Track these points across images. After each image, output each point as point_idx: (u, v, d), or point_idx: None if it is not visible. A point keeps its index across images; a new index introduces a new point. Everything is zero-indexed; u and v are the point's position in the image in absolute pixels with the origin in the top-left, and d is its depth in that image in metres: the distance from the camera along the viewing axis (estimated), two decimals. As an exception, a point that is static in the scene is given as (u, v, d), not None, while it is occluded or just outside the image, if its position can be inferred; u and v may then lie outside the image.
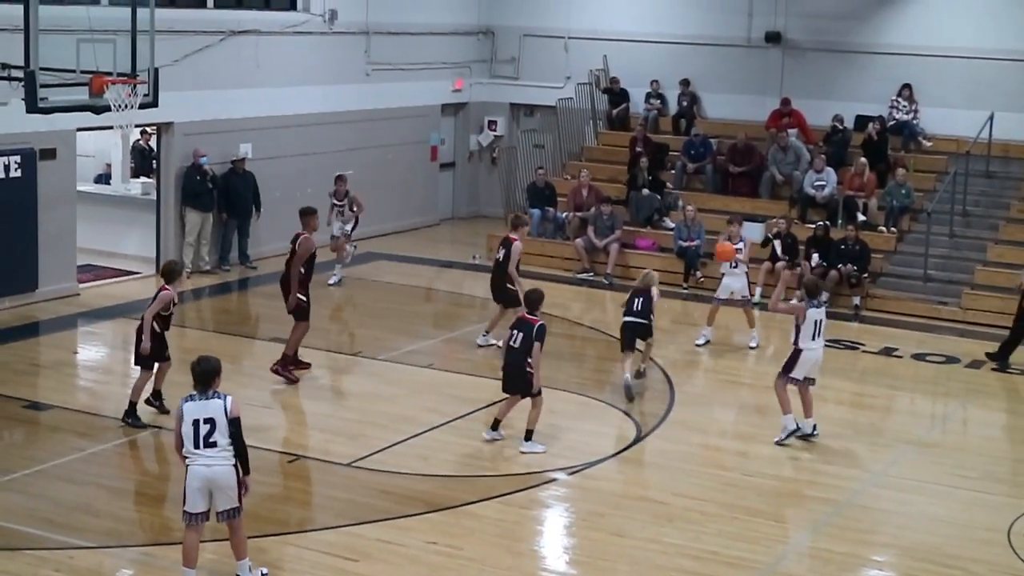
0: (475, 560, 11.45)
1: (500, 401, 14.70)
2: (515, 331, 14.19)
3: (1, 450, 13.96)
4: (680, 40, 26.68)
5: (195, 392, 10.47)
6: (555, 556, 12.03)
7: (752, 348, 19.03)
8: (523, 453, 14.14)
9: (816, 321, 14.62)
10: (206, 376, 10.52)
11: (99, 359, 17.91)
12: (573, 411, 15.77)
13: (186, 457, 10.38)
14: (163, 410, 14.70)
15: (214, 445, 10.32)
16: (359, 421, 15.13)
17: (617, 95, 26.96)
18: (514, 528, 12.32)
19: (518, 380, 14.17)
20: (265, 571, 10.87)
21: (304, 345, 17.41)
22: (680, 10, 26.93)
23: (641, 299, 16.57)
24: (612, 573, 11.46)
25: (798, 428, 14.76)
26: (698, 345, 19.05)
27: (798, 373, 14.69)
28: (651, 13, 27.16)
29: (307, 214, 16.57)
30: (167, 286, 14.66)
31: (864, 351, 19.32)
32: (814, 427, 14.96)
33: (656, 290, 16.83)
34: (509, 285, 17.84)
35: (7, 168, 18.87)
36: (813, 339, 14.65)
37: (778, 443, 14.69)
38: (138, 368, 14.82)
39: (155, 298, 14.66)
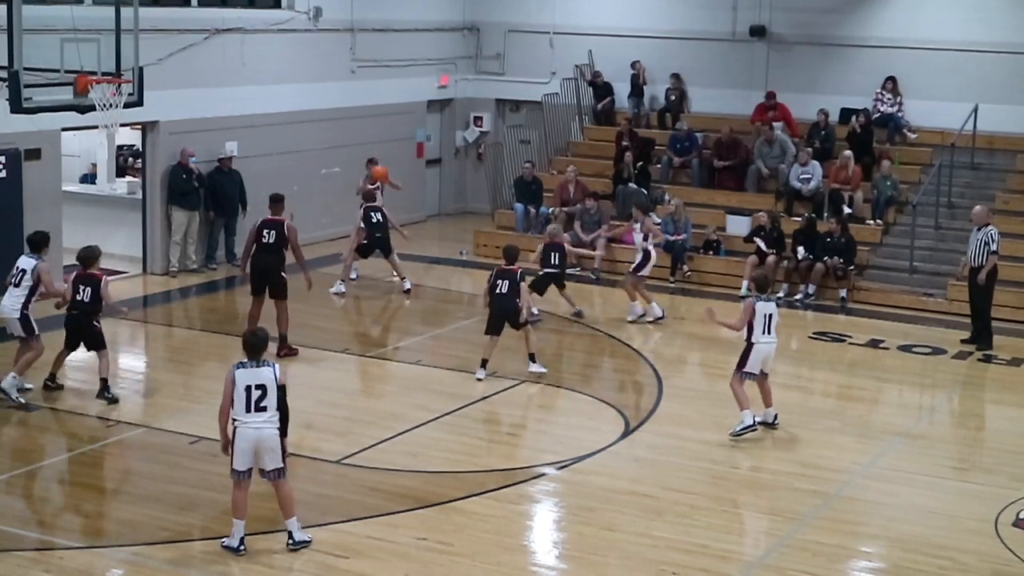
0: (465, 556, 11.46)
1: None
2: (500, 280, 16.48)
3: (-11, 451, 13.95)
4: (665, 34, 26.70)
5: (246, 360, 11.30)
6: (545, 551, 12.05)
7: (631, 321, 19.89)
8: (532, 372, 16.53)
9: (766, 315, 14.64)
10: (258, 346, 11.42)
11: (86, 359, 17.80)
12: (562, 406, 15.80)
13: (234, 420, 11.15)
14: (113, 399, 15.28)
15: (264, 410, 11.17)
16: (348, 418, 15.13)
17: (601, 88, 26.97)
18: (504, 523, 12.33)
19: (511, 318, 16.49)
20: (309, 538, 11.46)
21: (292, 342, 17.48)
22: (665, 4, 26.94)
23: (557, 253, 19.28)
24: (603, 567, 11.48)
25: (754, 424, 14.72)
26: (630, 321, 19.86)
27: (752, 368, 14.72)
28: (635, 7, 27.17)
29: (279, 200, 17.67)
30: (96, 271, 15.44)
31: (851, 343, 19.37)
32: (775, 416, 15.05)
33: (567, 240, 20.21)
34: None
35: (-8, 168, 18.84)
36: (764, 333, 14.66)
37: (733, 435, 14.61)
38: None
39: (96, 286, 15.27)
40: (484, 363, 16.58)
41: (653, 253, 20.13)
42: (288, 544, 11.38)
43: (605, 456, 14.18)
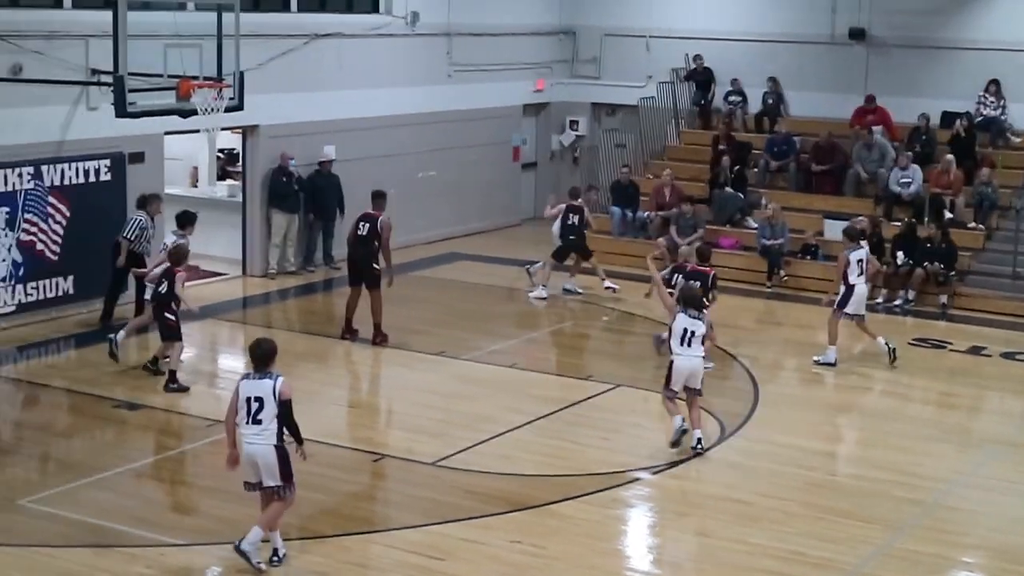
0: (559, 559, 11.47)
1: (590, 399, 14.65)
2: (693, 281, 15.85)
3: (93, 449, 14.20)
4: (763, 38, 26.51)
5: (252, 371, 10.97)
6: (639, 556, 12.02)
7: None
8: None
9: (685, 330, 14.10)
10: (264, 357, 11.01)
11: (187, 359, 18.11)
12: (657, 410, 15.72)
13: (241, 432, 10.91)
14: (160, 372, 16.07)
15: (259, 423, 10.80)
16: (442, 421, 15.20)
17: (702, 74, 26.76)
18: (597, 527, 12.32)
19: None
20: (262, 566, 10.95)
21: (387, 345, 17.66)
22: (763, 7, 26.77)
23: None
24: (697, 573, 11.44)
25: (683, 424, 14.14)
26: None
27: (674, 384, 14.20)
28: (733, 11, 27.02)
29: (381, 196, 18.13)
30: (178, 268, 15.99)
31: (951, 350, 19.08)
32: (699, 440, 14.10)
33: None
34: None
35: (97, 172, 19.21)
36: (681, 345, 14.16)
37: (672, 444, 14.15)
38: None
39: (170, 279, 15.91)
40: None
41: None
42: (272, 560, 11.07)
43: (700, 461, 14.10)
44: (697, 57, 26.79)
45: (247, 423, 10.81)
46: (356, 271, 18.06)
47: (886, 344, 17.78)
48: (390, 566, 11.28)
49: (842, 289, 17.70)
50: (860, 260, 17.74)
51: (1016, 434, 15.60)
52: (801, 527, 12.31)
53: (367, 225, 17.88)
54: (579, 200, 21.70)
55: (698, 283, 15.86)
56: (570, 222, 21.36)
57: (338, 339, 18.28)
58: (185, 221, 17.05)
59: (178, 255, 16.11)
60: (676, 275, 16.98)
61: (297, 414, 14.96)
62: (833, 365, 17.29)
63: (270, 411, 10.77)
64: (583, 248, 21.55)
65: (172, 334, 15.96)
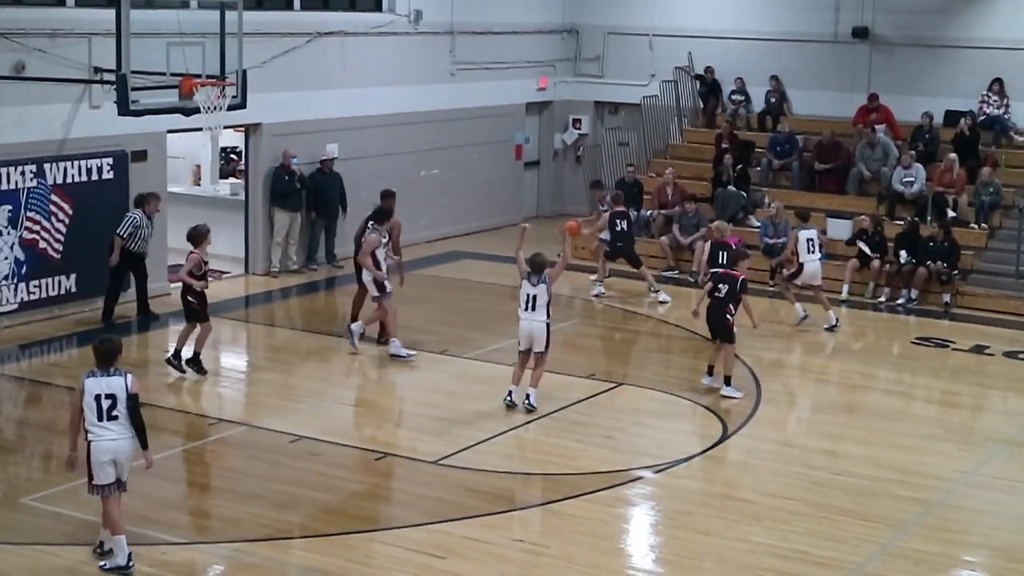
0: (562, 558, 11.46)
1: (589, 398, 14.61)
2: (722, 285, 16.22)
3: (95, 447, 14.19)
4: (766, 36, 26.50)
5: (96, 369, 10.85)
6: (642, 554, 12.01)
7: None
8: (723, 395, 16.02)
9: (528, 295, 15.27)
10: (109, 355, 10.93)
11: (190, 358, 18.13)
12: (659, 409, 15.73)
13: (87, 431, 10.74)
14: (202, 371, 16.32)
15: (116, 419, 10.77)
16: (445, 419, 15.19)
17: (709, 85, 26.82)
18: (600, 526, 12.31)
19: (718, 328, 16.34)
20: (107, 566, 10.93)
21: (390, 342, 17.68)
22: (766, 6, 26.75)
23: (725, 252, 18.71)
24: (699, 572, 11.43)
25: (510, 398, 15.32)
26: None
27: (520, 344, 15.43)
28: (736, 9, 27.01)
29: (390, 196, 18.27)
30: (195, 250, 16.21)
31: (954, 349, 19.07)
32: (527, 396, 15.26)
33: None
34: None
35: (100, 170, 19.20)
36: (526, 310, 15.30)
37: (505, 402, 15.30)
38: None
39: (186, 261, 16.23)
40: (710, 369, 16.48)
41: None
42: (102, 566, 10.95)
43: (702, 460, 14.11)
44: (708, 69, 26.79)
45: (101, 421, 10.71)
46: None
47: (836, 320, 19.67)
48: (393, 565, 11.28)
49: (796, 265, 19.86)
50: (810, 239, 19.77)
51: (1019, 433, 15.59)
52: (804, 526, 12.30)
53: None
54: (622, 205, 21.93)
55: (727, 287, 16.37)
56: (619, 228, 21.42)
57: (340, 337, 18.28)
58: (194, 237, 16.53)
59: (194, 235, 16.33)
60: (720, 252, 18.88)
61: (300, 412, 15.15)
62: (805, 318, 19.36)
63: (123, 406, 10.79)
64: (632, 255, 21.55)
65: (191, 315, 16.32)
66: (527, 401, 15.26)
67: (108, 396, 10.74)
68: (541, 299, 15.26)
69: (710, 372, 16.42)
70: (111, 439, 10.73)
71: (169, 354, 16.47)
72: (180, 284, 16.65)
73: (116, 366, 10.88)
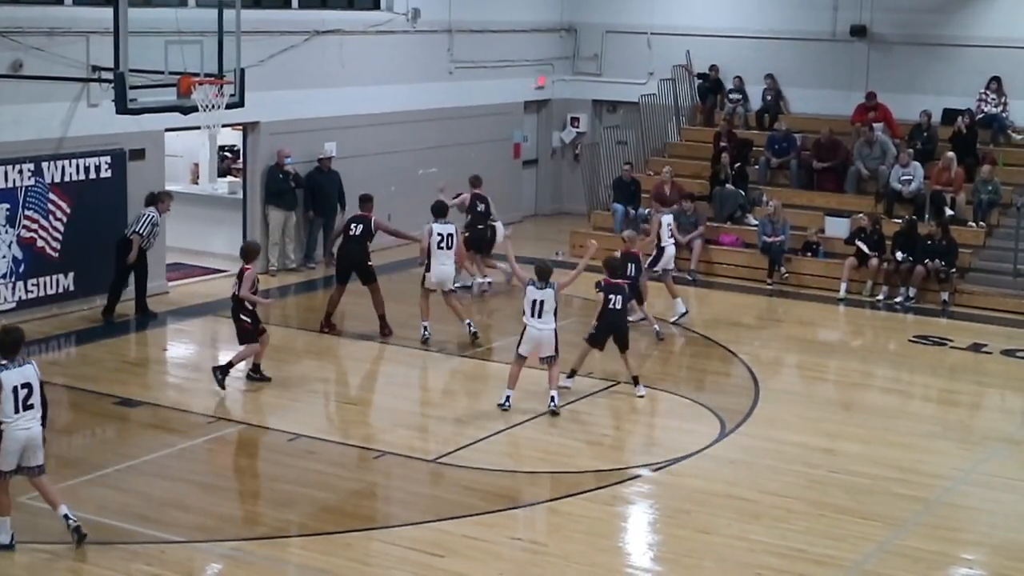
0: (560, 556, 11.46)
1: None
2: (612, 295, 15.80)
3: (93, 446, 14.21)
4: (764, 35, 26.51)
5: (6, 361, 10.95)
6: (640, 553, 12.02)
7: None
8: (638, 395, 15.91)
9: (535, 300, 15.16)
10: (15, 345, 11.05)
11: (188, 356, 18.15)
12: (658, 408, 15.74)
13: (2, 422, 10.86)
14: (264, 378, 15.91)
15: (31, 407, 11.02)
16: (443, 417, 15.20)
17: (713, 83, 26.80)
18: (599, 525, 12.32)
19: (621, 338, 16.01)
20: (75, 523, 11.21)
21: (390, 342, 17.67)
22: (764, 4, 26.75)
23: (634, 264, 18.12)
24: (698, 570, 11.43)
25: (506, 403, 15.13)
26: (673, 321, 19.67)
27: (523, 349, 15.27)
28: (735, 8, 27.01)
29: (368, 200, 18.58)
30: (247, 265, 15.72)
31: (952, 347, 19.07)
32: (552, 398, 15.17)
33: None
34: None
35: (98, 168, 19.19)
36: (532, 316, 15.16)
37: (500, 406, 15.14)
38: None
39: (240, 278, 15.65)
40: (572, 373, 16.23)
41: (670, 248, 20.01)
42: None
43: (701, 458, 14.11)
44: (713, 67, 26.79)
45: (18, 412, 10.90)
46: (349, 268, 18.32)
47: (685, 309, 19.52)
48: (391, 563, 11.28)
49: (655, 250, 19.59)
50: (669, 224, 19.97)
51: (1017, 431, 15.60)
52: (802, 524, 12.30)
53: (359, 226, 18.25)
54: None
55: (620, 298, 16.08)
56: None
57: (338, 336, 18.28)
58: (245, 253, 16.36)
59: (246, 251, 16.14)
60: (628, 263, 17.84)
61: (298, 411, 15.17)
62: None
63: (38, 394, 11.04)
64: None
65: (247, 337, 15.80)
66: (552, 404, 15.10)
67: (24, 386, 10.97)
68: (548, 304, 15.17)
69: (636, 382, 16.05)
70: (23, 428, 10.96)
71: (225, 366, 15.83)
72: (232, 302, 15.90)
73: (20, 355, 11.05)
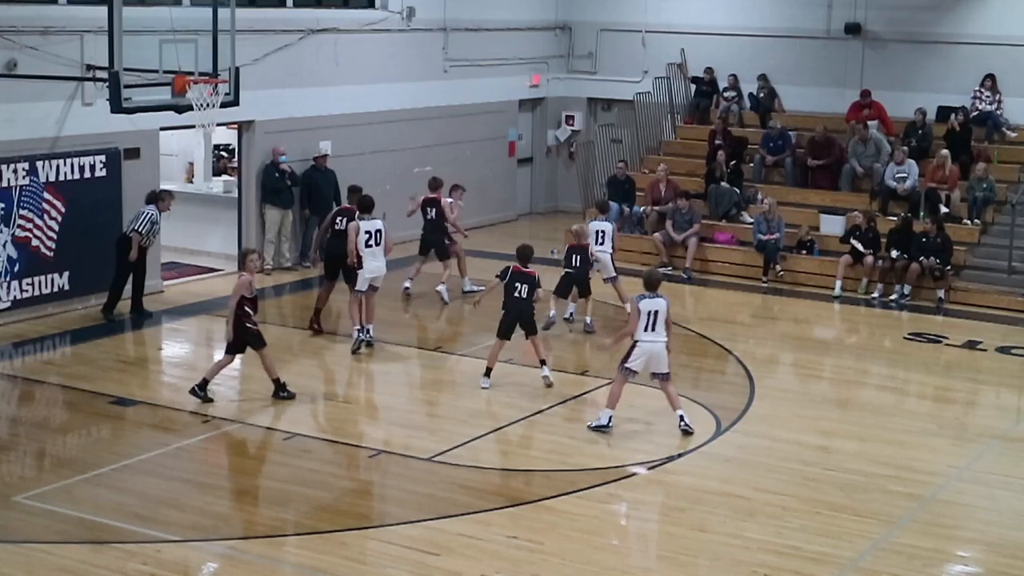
0: (556, 555, 11.47)
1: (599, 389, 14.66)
2: (519, 283, 16.01)
3: (88, 445, 14.19)
4: (759, 32, 26.52)
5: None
6: (635, 551, 12.03)
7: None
8: (544, 377, 16.13)
9: (650, 312, 14.43)
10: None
11: (183, 355, 18.14)
12: (652, 406, 15.73)
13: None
14: (290, 396, 15.38)
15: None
16: (439, 416, 15.20)
17: (708, 84, 26.81)
18: (594, 523, 12.33)
19: (527, 324, 16.20)
20: None
21: (385, 340, 17.66)
22: (758, 2, 26.76)
23: (579, 255, 18.25)
24: (693, 568, 11.44)
25: (609, 424, 14.54)
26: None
27: (634, 364, 14.49)
28: (729, 6, 27.03)
29: (356, 191, 18.38)
30: (243, 272, 15.58)
31: (947, 344, 19.09)
32: (681, 418, 14.60)
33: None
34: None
35: (92, 168, 19.18)
36: (647, 331, 14.42)
37: (592, 428, 14.59)
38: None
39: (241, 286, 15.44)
40: (488, 372, 16.13)
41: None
42: None
43: (696, 456, 14.12)
44: (708, 70, 26.79)
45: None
46: (334, 264, 18.17)
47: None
48: (387, 562, 11.28)
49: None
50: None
51: (1012, 428, 15.62)
52: (797, 522, 12.32)
53: (345, 220, 17.98)
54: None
55: (526, 287, 16.13)
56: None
57: (333, 334, 18.27)
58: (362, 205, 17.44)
59: (242, 257, 16.09)
60: (574, 255, 18.30)
61: (294, 411, 15.15)
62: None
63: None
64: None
65: (250, 343, 15.50)
66: (682, 423, 14.60)
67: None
68: (662, 315, 14.46)
69: (544, 362, 16.22)
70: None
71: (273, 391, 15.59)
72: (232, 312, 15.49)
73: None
